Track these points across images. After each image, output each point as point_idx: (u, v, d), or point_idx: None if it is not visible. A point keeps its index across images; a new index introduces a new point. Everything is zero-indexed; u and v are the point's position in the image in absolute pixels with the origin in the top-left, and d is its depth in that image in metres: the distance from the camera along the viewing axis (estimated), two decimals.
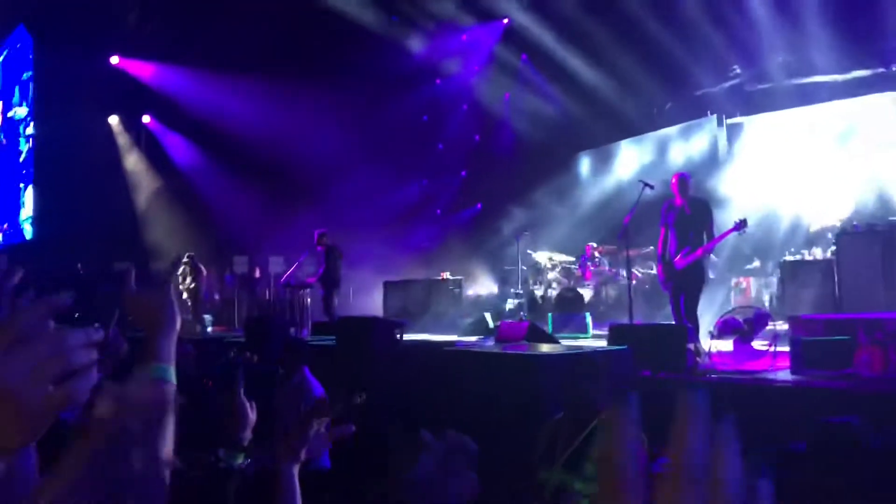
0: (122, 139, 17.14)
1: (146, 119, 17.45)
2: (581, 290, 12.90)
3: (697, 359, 6.48)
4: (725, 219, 8.60)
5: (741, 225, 7.78)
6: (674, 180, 7.98)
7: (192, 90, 16.23)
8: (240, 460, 2.15)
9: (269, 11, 15.26)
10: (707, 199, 8.40)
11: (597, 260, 13.42)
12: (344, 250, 13.06)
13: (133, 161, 17.29)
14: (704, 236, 7.73)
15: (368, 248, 16.52)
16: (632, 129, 16.18)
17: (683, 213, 7.79)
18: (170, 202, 17.29)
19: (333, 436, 1.86)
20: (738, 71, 14.32)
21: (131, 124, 17.30)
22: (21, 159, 17.07)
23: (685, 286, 7.75)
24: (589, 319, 11.09)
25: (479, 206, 18.88)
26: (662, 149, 15.78)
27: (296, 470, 1.79)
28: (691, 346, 6.43)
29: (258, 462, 2.16)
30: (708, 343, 7.00)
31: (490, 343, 8.61)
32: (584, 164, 17.96)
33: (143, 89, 16.67)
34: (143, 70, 16.59)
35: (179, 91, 16.35)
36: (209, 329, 13.55)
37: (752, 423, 5.13)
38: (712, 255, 9.57)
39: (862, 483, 3.97)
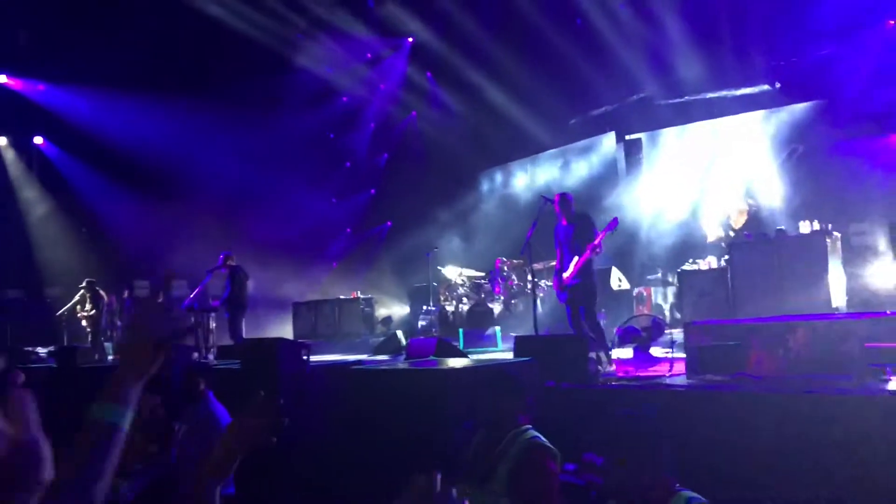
0: (12, 161, 16.34)
1: (38, 140, 16.70)
2: (491, 305, 13.06)
3: (599, 367, 6.65)
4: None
5: (614, 224, 8.12)
6: (556, 200, 8.20)
7: (87, 110, 15.65)
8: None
9: (167, 30, 14.89)
10: (587, 213, 8.62)
11: (505, 274, 13.62)
12: (251, 272, 12.79)
13: (24, 184, 16.51)
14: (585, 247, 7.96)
15: (277, 268, 16.27)
16: (536, 146, 16.56)
17: (569, 229, 8.09)
18: (66, 226, 16.58)
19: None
20: (637, 90, 14.87)
21: (22, 146, 16.52)
22: None
23: (580, 298, 7.94)
24: (499, 333, 11.25)
25: (388, 223, 18.90)
26: (566, 164, 16.22)
27: (218, 491, 1.74)
28: (593, 354, 6.59)
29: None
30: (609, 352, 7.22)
31: (402, 361, 8.60)
32: (491, 181, 18.27)
33: (35, 110, 15.96)
34: (33, 90, 15.89)
35: (73, 111, 15.73)
36: (109, 357, 13.02)
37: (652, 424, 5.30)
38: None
39: None
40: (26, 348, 12.49)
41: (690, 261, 11.73)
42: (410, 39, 17.51)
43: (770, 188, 12.81)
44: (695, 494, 2.83)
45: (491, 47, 15.23)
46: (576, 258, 7.89)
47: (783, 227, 10.34)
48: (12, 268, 15.81)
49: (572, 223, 8.08)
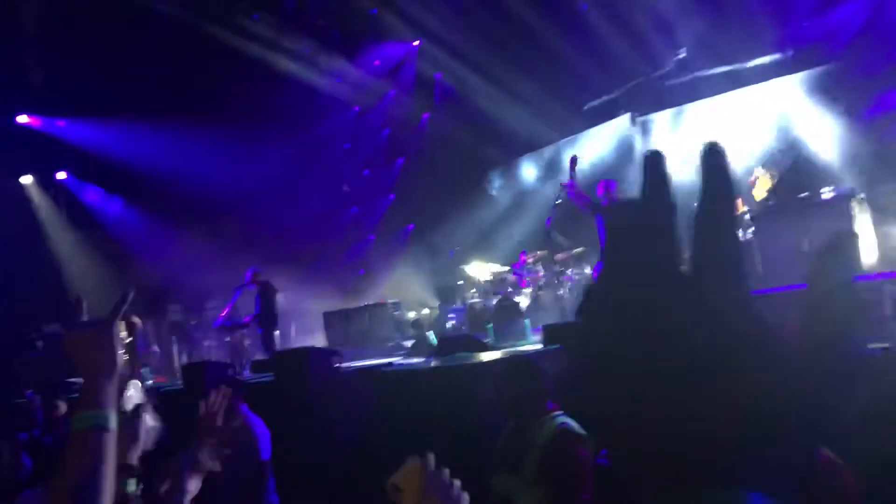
0: (39, 199, 16.65)
1: (62, 175, 16.99)
2: (518, 299, 13.02)
3: None
4: None
5: None
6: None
7: (109, 141, 15.89)
8: (132, 487, 2.06)
9: (178, 56, 15.10)
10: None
11: (530, 266, 13.57)
12: (281, 286, 12.90)
13: (52, 220, 16.81)
14: None
15: (306, 281, 16.40)
16: (550, 136, 16.51)
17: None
18: (95, 257, 16.85)
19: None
20: (647, 70, 14.77)
21: (47, 183, 16.83)
22: None
23: None
24: (528, 325, 11.21)
25: (410, 226, 18.94)
26: (583, 151, 16.14)
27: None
28: None
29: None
30: None
31: (434, 362, 8.62)
32: (509, 174, 18.26)
33: (55, 146, 16.25)
34: (52, 126, 16.17)
35: (94, 144, 15.99)
36: (149, 382, 13.21)
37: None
38: None
39: None
40: (69, 380, 12.69)
41: None
42: (416, 42, 17.54)
43: (792, 155, 12.65)
44: (568, 420, 3.50)
45: (497, 41, 15.23)
46: None
47: (807, 194, 10.19)
48: (48, 303, 16.08)
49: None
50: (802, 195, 10.18)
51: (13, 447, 5.73)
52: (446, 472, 1.45)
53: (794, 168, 12.50)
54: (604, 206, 8.12)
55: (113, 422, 1.44)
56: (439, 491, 1.42)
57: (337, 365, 7.01)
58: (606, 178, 10.46)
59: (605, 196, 8.08)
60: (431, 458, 1.46)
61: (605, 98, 15.24)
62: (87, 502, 1.34)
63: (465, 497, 1.49)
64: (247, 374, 10.89)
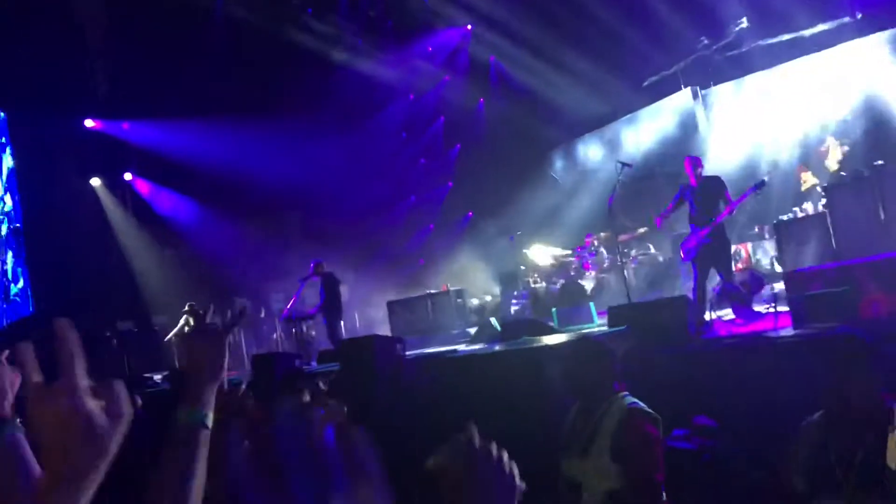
0: (107, 200, 17.16)
1: (128, 176, 17.48)
2: (582, 282, 12.87)
3: (700, 329, 6.44)
4: None
5: (760, 185, 8.15)
6: (686, 163, 8.24)
7: (171, 141, 16.26)
8: None
9: (237, 53, 15.35)
10: (719, 176, 8.55)
11: (594, 249, 13.39)
12: (343, 277, 13.03)
13: (121, 221, 17.32)
14: (721, 206, 8.02)
15: (368, 271, 16.54)
16: (609, 115, 16.25)
17: (699, 190, 8.14)
18: (163, 255, 17.31)
19: None
20: (706, 42, 14.36)
21: (114, 184, 17.33)
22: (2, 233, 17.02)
23: (713, 256, 7.93)
24: (594, 309, 11.05)
25: (469, 214, 18.90)
26: (642, 129, 15.84)
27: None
28: (692, 316, 6.39)
29: None
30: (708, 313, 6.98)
31: (498, 346, 8.58)
32: (567, 155, 18.04)
33: (121, 147, 16.71)
34: (117, 129, 16.64)
35: (157, 144, 16.38)
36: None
37: (758, 380, 5.10)
38: None
39: None
40: (144, 374, 13.09)
41: (793, 212, 11.20)
42: (469, 27, 17.43)
43: (863, 123, 12.15)
44: (636, 400, 3.32)
45: (551, 20, 15.01)
46: (709, 218, 7.95)
47: (881, 162, 9.74)
48: (120, 301, 16.59)
49: (703, 184, 8.14)
50: (877, 163, 9.73)
51: None
52: (492, 445, 1.40)
53: (867, 136, 12.01)
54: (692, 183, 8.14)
55: (210, 422, 1.56)
56: (486, 466, 1.37)
57: (402, 352, 7.02)
58: (671, 152, 10.33)
59: (693, 171, 8.06)
60: (475, 430, 1.40)
61: (664, 73, 14.88)
62: (185, 493, 1.44)
63: (515, 469, 1.43)
64: (313, 364, 11.03)
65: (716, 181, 8.24)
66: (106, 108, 16.20)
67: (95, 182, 17.00)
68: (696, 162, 8.28)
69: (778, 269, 10.94)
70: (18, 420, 1.61)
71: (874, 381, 2.97)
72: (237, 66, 15.54)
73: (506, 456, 1.43)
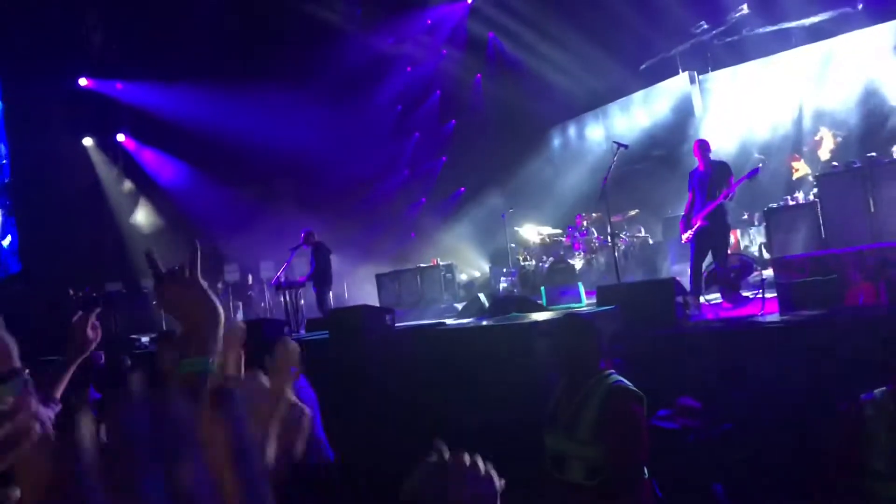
0: (99, 160, 17.04)
1: (121, 137, 17.34)
2: (572, 261, 12.93)
3: (687, 310, 6.51)
4: None
5: (755, 171, 8.33)
6: (695, 147, 8.30)
7: (164, 103, 16.13)
8: None
9: (234, 17, 15.20)
10: (726, 161, 8.60)
11: (584, 229, 13.43)
12: (333, 247, 13.03)
13: (112, 180, 17.21)
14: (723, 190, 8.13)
15: (358, 242, 16.53)
16: (606, 96, 16.20)
17: (705, 175, 8.19)
18: (153, 217, 17.24)
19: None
20: (705, 27, 14.32)
21: (107, 144, 17.20)
22: None
23: (711, 239, 8.02)
24: (582, 288, 11.11)
25: (462, 189, 18.88)
26: (638, 111, 15.82)
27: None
28: (680, 298, 6.45)
29: None
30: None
31: (487, 321, 8.62)
32: (562, 135, 18.00)
33: (115, 108, 16.57)
34: (112, 89, 16.47)
35: (151, 105, 16.25)
36: None
37: (742, 365, 5.17)
38: None
39: None
40: (131, 336, 13.10)
41: (783, 200, 11.28)
42: (469, 1, 17.29)
43: (857, 114, 12.18)
44: (622, 378, 3.42)
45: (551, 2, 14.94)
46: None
47: (874, 154, 9.81)
48: (110, 262, 16.54)
49: (710, 168, 8.21)
50: (870, 155, 9.79)
51: (84, 398, 5.89)
52: (463, 456, 1.38)
53: (861, 127, 12.05)
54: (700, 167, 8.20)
55: (214, 368, 1.47)
56: (460, 482, 1.37)
57: (390, 323, 7.06)
58: (666, 136, 10.35)
59: (702, 155, 8.10)
60: (444, 450, 1.39)
61: (662, 55, 14.85)
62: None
63: (491, 471, 1.43)
64: (302, 332, 11.06)
65: (724, 166, 8.31)
66: (100, 68, 16.04)
67: (87, 142, 16.86)
68: (706, 146, 8.32)
69: (766, 255, 11.04)
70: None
71: None
72: (234, 30, 15.39)
73: (479, 461, 1.42)
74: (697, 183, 8.23)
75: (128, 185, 17.29)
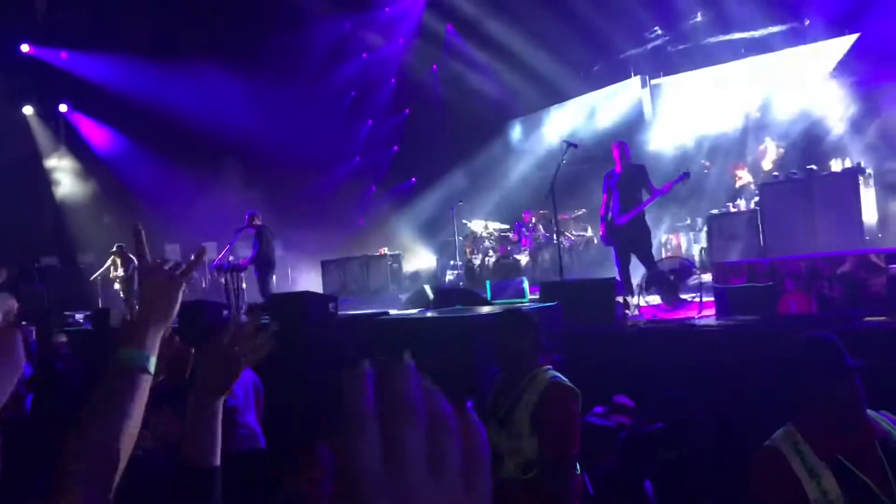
0: (39, 130, 16.48)
1: (63, 108, 16.79)
2: (518, 257, 13.03)
3: (626, 311, 6.61)
4: (653, 178, 8.83)
5: (685, 176, 8.30)
6: (614, 148, 8.35)
7: (110, 75, 15.67)
8: None
9: None
10: (643, 164, 8.75)
11: (532, 226, 13.54)
12: (279, 231, 12.86)
13: (52, 152, 16.67)
14: (644, 194, 8.15)
15: (304, 227, 16.34)
16: (559, 95, 16.33)
17: (623, 176, 8.24)
18: (93, 192, 16.76)
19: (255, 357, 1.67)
20: (659, 32, 14.56)
21: (48, 114, 16.64)
22: None
23: (633, 242, 8.10)
24: (526, 284, 11.19)
25: (413, 180, 18.84)
26: (590, 112, 15.99)
27: (220, 405, 1.58)
28: (620, 298, 6.55)
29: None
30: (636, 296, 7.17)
31: (430, 313, 8.62)
32: (515, 132, 18.10)
33: (58, 77, 16.02)
34: (55, 57, 15.93)
35: (96, 77, 15.76)
36: None
37: (677, 365, 5.28)
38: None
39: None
40: (64, 312, 12.74)
41: (726, 206, 11.52)
42: None
43: (800, 127, 12.53)
44: (558, 374, 3.48)
45: None
46: (630, 206, 8.10)
47: (814, 167, 10.11)
48: (45, 236, 16.04)
49: (628, 171, 8.26)
50: (810, 167, 10.09)
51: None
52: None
53: (803, 140, 12.39)
54: (617, 169, 8.25)
55: (152, 367, 1.43)
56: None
57: (333, 309, 7.00)
58: (615, 138, 10.46)
59: (621, 157, 8.17)
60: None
61: (615, 59, 15.05)
62: (111, 440, 1.31)
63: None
64: (242, 316, 10.90)
65: (639, 169, 8.40)
66: (44, 35, 15.50)
67: (27, 110, 16.29)
68: (624, 147, 8.42)
69: (706, 260, 11.29)
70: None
71: None
72: (187, 4, 15.03)
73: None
74: (615, 184, 8.28)
75: (67, 156, 16.75)
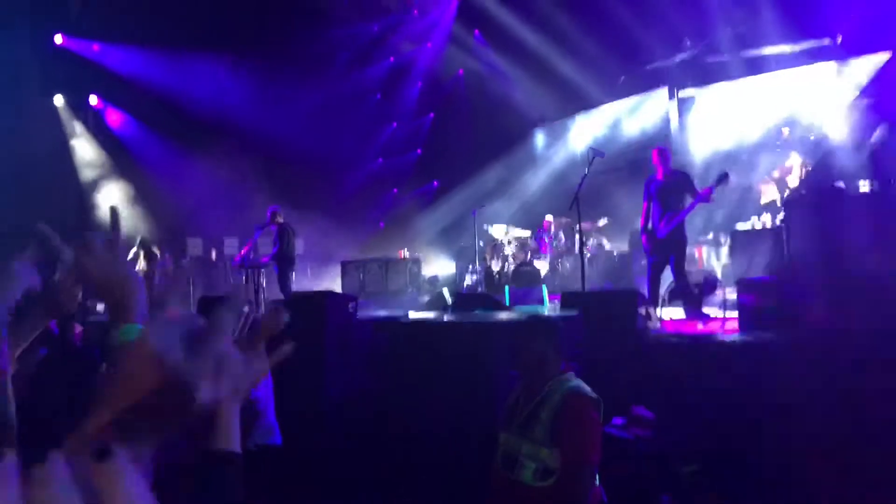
0: (68, 120, 16.63)
1: (93, 100, 16.96)
2: (537, 264, 12.98)
3: (648, 323, 6.56)
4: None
5: (724, 178, 7.93)
6: (654, 154, 8.17)
7: (141, 69, 15.80)
8: None
9: None
10: (686, 171, 8.55)
11: (553, 233, 13.50)
12: (300, 230, 12.89)
13: (81, 143, 16.81)
14: (687, 201, 7.94)
15: (326, 227, 16.40)
16: (586, 103, 16.28)
17: (665, 184, 8.05)
18: (120, 183, 16.88)
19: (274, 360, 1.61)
20: (689, 44, 14.47)
21: (78, 105, 16.79)
22: None
23: (671, 250, 7.92)
24: (545, 292, 11.15)
25: (435, 183, 18.85)
26: (616, 121, 15.93)
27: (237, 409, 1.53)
28: (642, 310, 6.50)
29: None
30: (660, 309, 7.11)
31: (449, 317, 8.60)
32: (539, 139, 18.07)
33: (90, 69, 16.17)
34: (88, 49, 16.08)
35: (127, 70, 15.90)
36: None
37: (698, 380, 5.22)
38: None
39: None
40: (87, 304, 12.83)
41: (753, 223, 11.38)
42: None
43: (829, 145, 12.39)
44: (580, 382, 3.43)
45: (539, 3, 14.94)
46: (672, 214, 7.90)
47: (842, 184, 9.97)
48: (70, 227, 16.17)
49: (670, 178, 8.05)
50: (837, 184, 9.95)
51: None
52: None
53: (828, 157, 12.25)
54: (658, 176, 8.09)
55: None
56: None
57: (352, 310, 7.00)
58: (640, 148, 10.39)
59: (662, 164, 8.00)
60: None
61: (644, 69, 14.98)
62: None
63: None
64: (262, 312, 10.94)
65: (683, 176, 8.18)
66: (77, 27, 15.65)
67: (58, 100, 16.45)
68: (665, 153, 8.16)
69: (729, 275, 11.17)
70: None
71: None
72: (218, 1, 15.14)
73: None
74: (655, 192, 8.11)
75: (95, 147, 16.89)
